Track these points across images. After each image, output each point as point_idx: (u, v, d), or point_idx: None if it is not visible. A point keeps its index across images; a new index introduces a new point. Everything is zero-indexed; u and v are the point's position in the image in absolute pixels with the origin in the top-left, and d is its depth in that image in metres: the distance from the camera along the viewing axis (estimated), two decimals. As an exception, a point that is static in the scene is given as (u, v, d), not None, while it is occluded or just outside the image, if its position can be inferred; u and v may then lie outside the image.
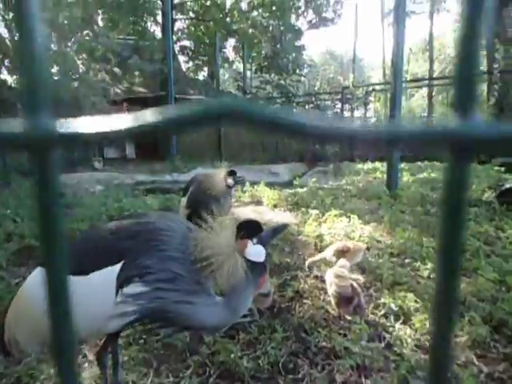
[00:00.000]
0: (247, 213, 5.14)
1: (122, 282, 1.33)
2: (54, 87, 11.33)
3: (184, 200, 3.47)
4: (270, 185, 6.90)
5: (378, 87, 15.54)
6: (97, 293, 1.34)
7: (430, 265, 3.01)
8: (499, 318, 2.24)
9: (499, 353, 2.00)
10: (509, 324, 2.19)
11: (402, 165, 7.98)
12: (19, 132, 0.28)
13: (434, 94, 22.00)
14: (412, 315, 2.31)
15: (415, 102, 28.71)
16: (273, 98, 17.59)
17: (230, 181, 3.25)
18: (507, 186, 4.73)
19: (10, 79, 14.00)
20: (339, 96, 14.61)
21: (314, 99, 16.57)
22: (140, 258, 1.35)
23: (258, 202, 5.93)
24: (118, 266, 1.34)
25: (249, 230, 1.44)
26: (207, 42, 21.01)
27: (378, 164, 9.82)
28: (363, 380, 1.82)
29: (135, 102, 17.24)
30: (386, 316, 2.35)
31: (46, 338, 1.54)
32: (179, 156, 13.18)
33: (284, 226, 1.60)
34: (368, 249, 3.46)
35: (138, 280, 1.34)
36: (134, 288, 1.33)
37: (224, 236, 1.44)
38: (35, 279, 1.43)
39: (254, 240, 1.44)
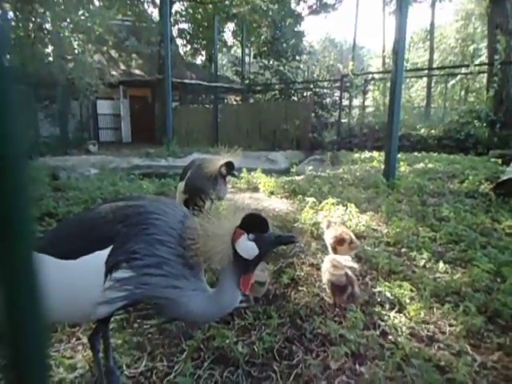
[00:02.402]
0: (244, 199, 5.12)
1: (111, 266, 1.30)
2: (49, 69, 11.12)
3: (181, 185, 3.43)
4: (266, 172, 6.86)
5: (377, 76, 15.41)
6: (85, 278, 1.32)
7: (425, 254, 3.01)
8: (494, 309, 2.24)
9: (493, 343, 2.00)
10: (503, 314, 2.20)
11: (399, 155, 7.94)
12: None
13: (433, 84, 21.87)
14: (407, 304, 2.32)
15: (415, 92, 28.55)
16: (271, 83, 17.40)
17: (223, 170, 3.21)
18: (504, 177, 4.72)
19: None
20: (338, 84, 14.48)
21: (312, 86, 16.41)
22: (129, 243, 1.32)
23: (255, 189, 5.90)
24: (106, 251, 1.31)
25: (249, 223, 1.36)
26: (206, 25, 20.62)
27: (375, 153, 9.78)
28: (358, 367, 1.82)
29: (132, 85, 17.02)
30: (381, 304, 2.35)
31: None
32: (175, 141, 13.07)
33: (291, 239, 1.47)
34: (364, 237, 3.46)
35: (126, 265, 1.31)
36: (122, 273, 1.31)
37: (226, 221, 1.40)
38: None
39: (251, 236, 1.35)
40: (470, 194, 4.96)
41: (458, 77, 16.61)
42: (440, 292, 2.46)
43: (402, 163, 7.12)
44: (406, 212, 4.24)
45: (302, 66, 19.88)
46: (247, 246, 1.35)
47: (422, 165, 7.26)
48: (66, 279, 1.31)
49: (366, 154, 9.94)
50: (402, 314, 2.24)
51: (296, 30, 20.92)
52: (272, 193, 5.47)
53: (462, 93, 19.39)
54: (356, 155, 10.05)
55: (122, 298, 1.32)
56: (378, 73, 17.65)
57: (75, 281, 1.32)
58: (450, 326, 2.15)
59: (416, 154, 9.55)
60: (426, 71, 19.67)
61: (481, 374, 1.78)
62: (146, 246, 1.33)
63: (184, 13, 21.18)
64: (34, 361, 0.59)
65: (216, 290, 1.44)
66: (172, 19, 19.03)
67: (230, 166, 3.21)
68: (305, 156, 12.16)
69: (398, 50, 5.77)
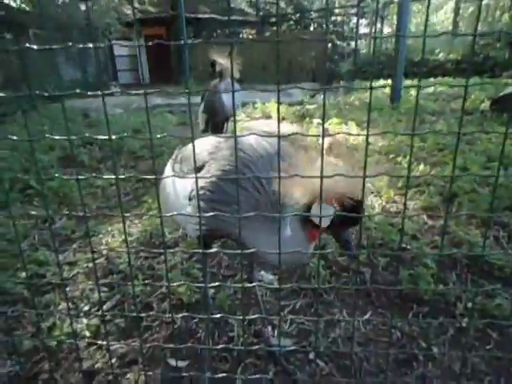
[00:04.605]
0: (257, 125, 5.63)
1: (190, 194, 1.35)
2: (66, 10, 11.33)
3: (202, 105, 4.00)
4: (283, 104, 7.25)
5: (397, -1, 14.71)
6: (179, 198, 1.42)
7: (408, 158, 3.52)
8: (452, 192, 2.79)
9: (444, 214, 2.57)
10: (459, 194, 2.75)
11: (414, 81, 8.05)
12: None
13: (461, 9, 20.47)
14: (382, 191, 2.90)
15: (443, 15, 26.70)
16: (286, 14, 16.90)
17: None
18: (501, 94, 4.98)
19: (14, 3, 13.83)
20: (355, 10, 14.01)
21: (329, 14, 15.85)
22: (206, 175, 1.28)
23: (268, 117, 6.37)
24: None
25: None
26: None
27: (390, 81, 9.84)
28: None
29: (147, 23, 16.93)
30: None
31: None
32: (192, 80, 13.33)
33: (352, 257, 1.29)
34: (358, 149, 3.97)
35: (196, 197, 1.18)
36: (194, 204, 1.31)
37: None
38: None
39: (332, 209, 0.99)
40: (468, 111, 5.27)
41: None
42: (413, 181, 3.02)
43: (412, 88, 7.32)
44: (403, 129, 4.67)
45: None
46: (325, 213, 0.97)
47: (432, 89, 7.43)
48: (174, 194, 1.45)
49: (381, 82, 10.03)
50: (378, 198, 2.83)
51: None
52: (283, 118, 5.94)
53: (497, 13, 18.12)
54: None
55: (203, 224, 1.22)
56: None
57: (177, 199, 1.42)
58: (415, 204, 2.73)
59: (432, 79, 9.58)
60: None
61: (427, 231, 2.39)
62: (218, 181, 1.26)
63: None
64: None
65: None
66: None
67: (213, 64, 3.72)
68: (321, 87, 12.26)
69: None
